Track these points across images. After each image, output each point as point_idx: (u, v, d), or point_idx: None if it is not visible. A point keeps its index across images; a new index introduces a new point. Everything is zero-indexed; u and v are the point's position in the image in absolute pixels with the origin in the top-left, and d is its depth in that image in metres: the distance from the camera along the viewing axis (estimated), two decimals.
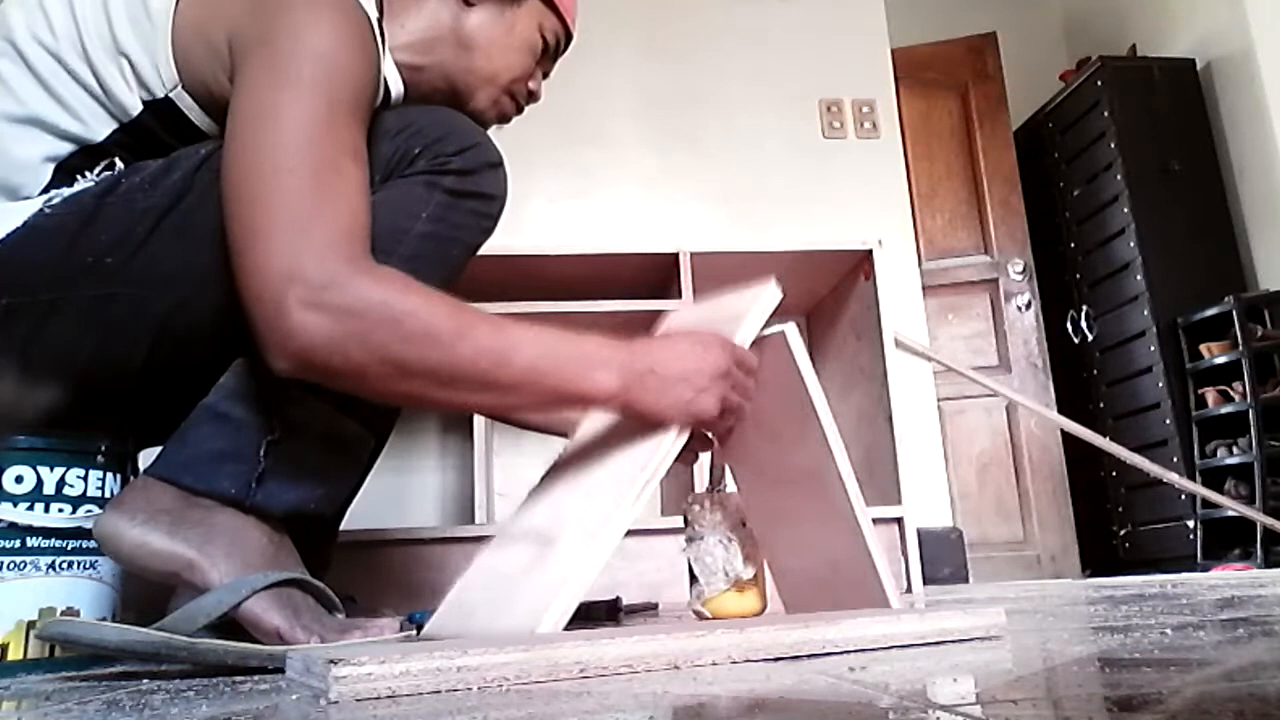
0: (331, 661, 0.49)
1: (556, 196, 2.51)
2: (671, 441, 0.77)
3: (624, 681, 0.52)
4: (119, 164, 0.85)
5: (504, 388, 0.74)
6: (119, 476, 0.92)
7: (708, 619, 0.94)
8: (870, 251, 2.02)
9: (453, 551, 1.69)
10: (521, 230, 2.42)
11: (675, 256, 1.98)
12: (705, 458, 0.97)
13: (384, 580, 1.64)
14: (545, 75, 1.08)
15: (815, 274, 2.14)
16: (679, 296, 1.95)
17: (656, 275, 2.08)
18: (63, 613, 0.85)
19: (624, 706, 0.44)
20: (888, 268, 2.03)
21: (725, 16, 2.69)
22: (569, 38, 1.07)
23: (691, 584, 0.97)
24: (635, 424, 0.80)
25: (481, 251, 0.94)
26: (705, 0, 2.70)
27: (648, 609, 1.51)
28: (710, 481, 0.97)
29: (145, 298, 0.80)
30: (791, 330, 0.82)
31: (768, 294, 0.85)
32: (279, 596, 0.76)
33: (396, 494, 2.16)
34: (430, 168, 0.86)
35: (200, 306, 0.81)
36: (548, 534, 0.78)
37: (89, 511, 0.88)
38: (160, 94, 0.83)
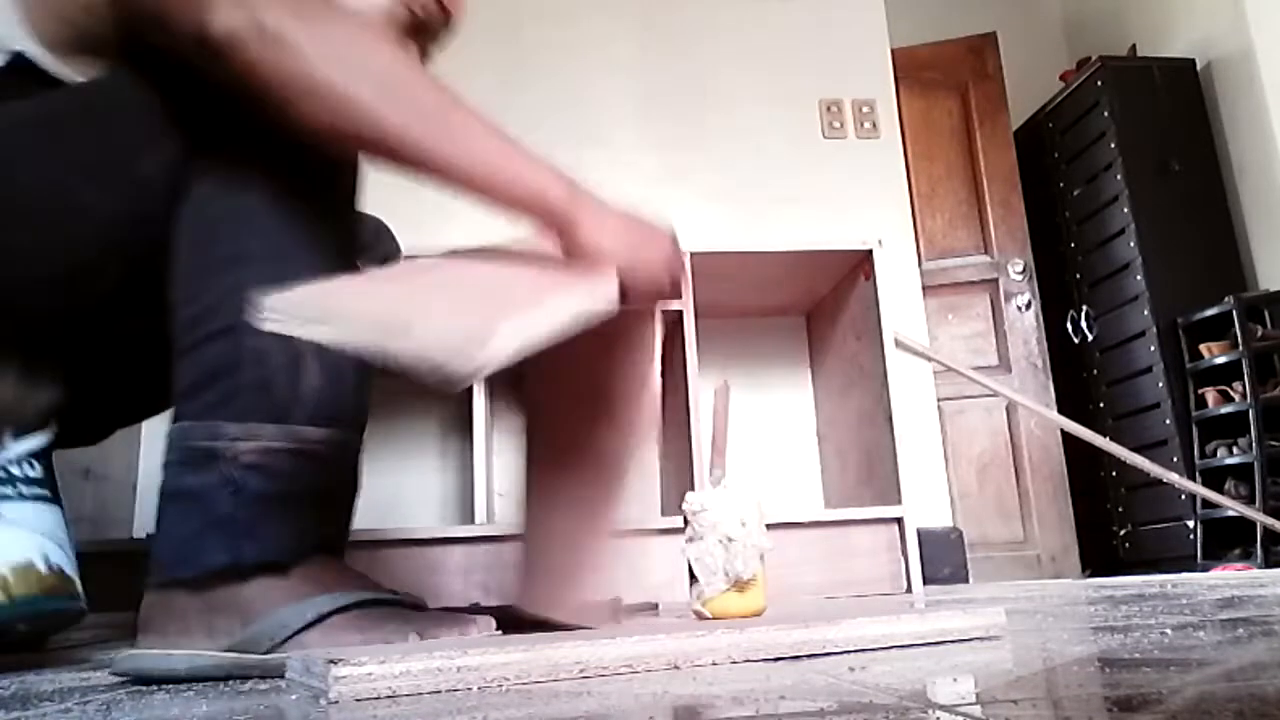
0: (331, 661, 0.49)
1: None
2: (608, 286, 0.69)
3: (624, 681, 0.52)
4: None
5: (445, 134, 0.69)
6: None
7: (708, 619, 0.94)
8: (870, 251, 2.01)
9: (453, 552, 1.69)
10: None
11: None
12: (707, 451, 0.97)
13: (384, 580, 1.63)
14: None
15: (815, 274, 2.14)
16: (679, 296, 1.94)
17: None
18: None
19: (624, 706, 0.44)
20: (888, 268, 2.03)
21: (725, 16, 2.68)
22: None
23: (691, 584, 0.97)
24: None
25: None
26: (705, 0, 2.70)
27: (648, 609, 1.51)
28: (711, 470, 0.97)
29: None
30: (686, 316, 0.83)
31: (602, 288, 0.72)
32: (350, 620, 0.72)
33: (396, 494, 2.16)
34: None
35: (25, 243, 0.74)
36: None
37: None
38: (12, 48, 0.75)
